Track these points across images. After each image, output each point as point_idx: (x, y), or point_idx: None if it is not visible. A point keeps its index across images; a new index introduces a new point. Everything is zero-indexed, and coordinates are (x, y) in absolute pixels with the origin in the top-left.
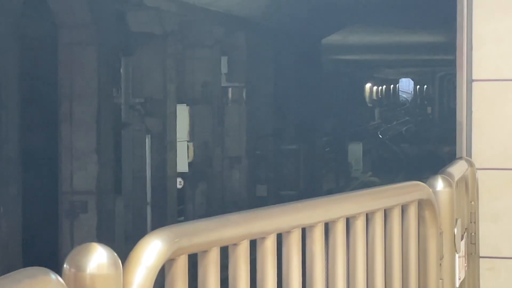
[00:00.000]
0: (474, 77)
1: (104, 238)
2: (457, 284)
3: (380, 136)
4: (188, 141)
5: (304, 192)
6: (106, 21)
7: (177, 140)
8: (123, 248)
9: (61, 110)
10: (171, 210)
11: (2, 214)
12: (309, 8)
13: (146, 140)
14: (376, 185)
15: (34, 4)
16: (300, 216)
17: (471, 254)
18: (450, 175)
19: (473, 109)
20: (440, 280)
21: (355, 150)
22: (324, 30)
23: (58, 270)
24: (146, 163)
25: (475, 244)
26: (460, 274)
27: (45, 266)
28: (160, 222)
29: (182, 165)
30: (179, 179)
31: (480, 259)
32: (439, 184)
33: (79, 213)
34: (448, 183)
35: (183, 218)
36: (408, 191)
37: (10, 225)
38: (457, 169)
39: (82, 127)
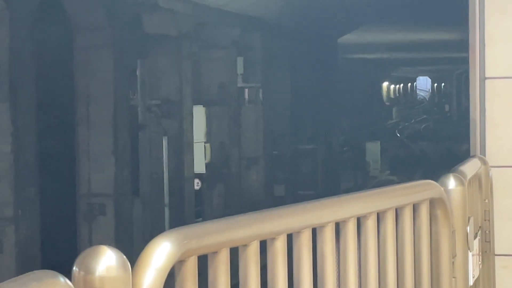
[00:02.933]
0: (487, 75)
1: (122, 240)
2: (471, 282)
3: (398, 135)
4: (205, 142)
5: (322, 192)
6: (121, 23)
7: (194, 141)
8: (142, 250)
9: (78, 113)
10: (189, 212)
11: (20, 217)
12: (324, 8)
13: (163, 141)
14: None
15: (50, 7)
16: (310, 216)
17: (486, 252)
18: (462, 174)
19: (487, 106)
20: (453, 279)
21: (373, 149)
22: (340, 29)
23: None
24: (163, 165)
25: (489, 242)
26: (474, 272)
27: (64, 269)
28: (178, 223)
29: (199, 166)
30: (196, 180)
31: (496, 257)
32: (451, 182)
33: (97, 215)
34: (460, 182)
35: (201, 219)
36: (419, 190)
37: (29, 228)
38: (470, 167)
39: (99, 130)
